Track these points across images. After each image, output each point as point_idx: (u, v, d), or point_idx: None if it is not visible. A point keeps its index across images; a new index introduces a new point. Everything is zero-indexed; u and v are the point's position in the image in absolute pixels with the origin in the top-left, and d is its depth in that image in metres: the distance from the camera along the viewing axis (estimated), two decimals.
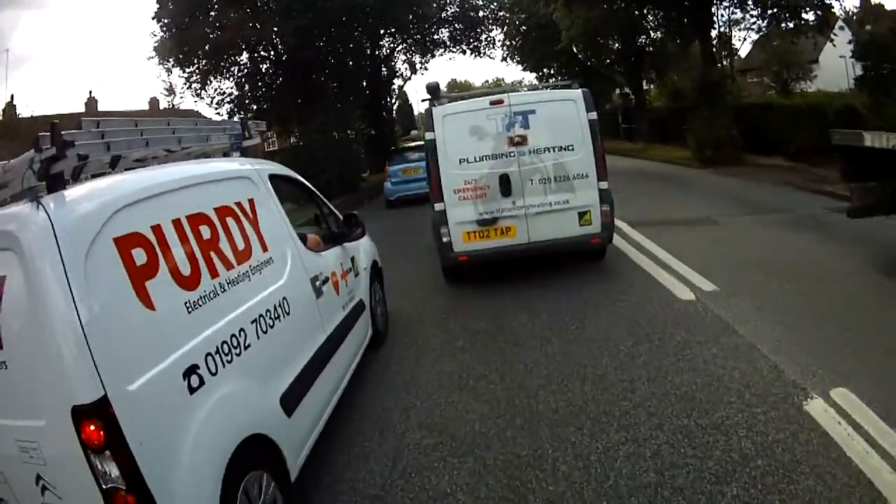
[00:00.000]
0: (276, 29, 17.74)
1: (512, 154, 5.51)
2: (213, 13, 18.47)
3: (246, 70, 20.18)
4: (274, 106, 19.86)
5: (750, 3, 17.55)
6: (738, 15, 19.30)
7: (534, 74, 31.76)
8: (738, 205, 8.84)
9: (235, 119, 12.78)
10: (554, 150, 5.51)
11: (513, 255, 5.73)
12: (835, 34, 16.91)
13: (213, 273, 2.47)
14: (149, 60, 28.56)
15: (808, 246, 6.23)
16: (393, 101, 28.83)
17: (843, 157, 5.39)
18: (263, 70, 20.37)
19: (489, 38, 26.33)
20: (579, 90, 5.66)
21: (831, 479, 2.44)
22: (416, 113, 49.42)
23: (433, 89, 6.07)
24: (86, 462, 1.76)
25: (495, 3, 25.97)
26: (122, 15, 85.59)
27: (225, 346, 2.34)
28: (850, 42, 13.15)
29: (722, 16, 19.43)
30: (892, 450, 2.58)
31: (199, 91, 19.82)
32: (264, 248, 2.94)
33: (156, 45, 19.18)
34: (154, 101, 24.10)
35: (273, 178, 3.42)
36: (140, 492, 1.80)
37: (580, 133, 5.49)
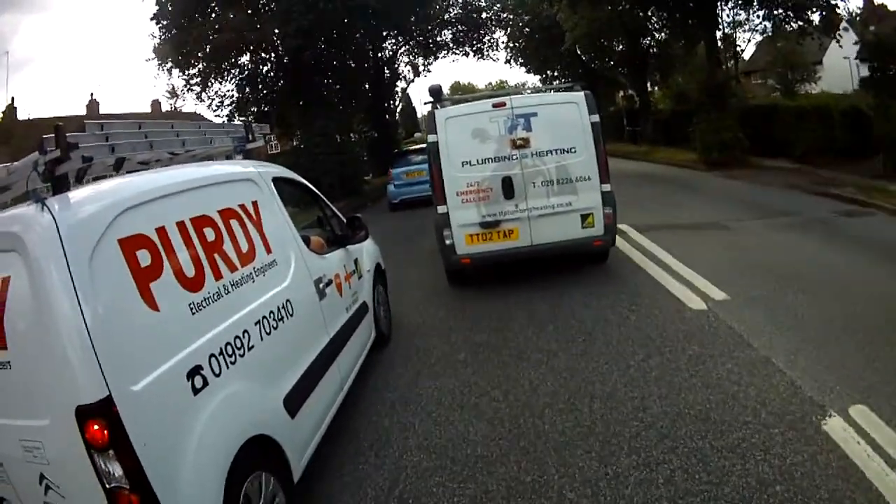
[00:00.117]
0: (276, 31, 17.68)
1: (514, 156, 5.50)
2: (212, 14, 18.45)
3: (246, 72, 20.12)
4: (275, 108, 19.83)
5: (755, 3, 17.51)
6: (743, 16, 19.33)
7: (537, 77, 31.91)
8: (746, 208, 8.71)
9: (238, 122, 12.83)
10: (556, 153, 5.50)
11: (516, 258, 5.72)
12: (840, 35, 16.86)
13: (217, 275, 2.48)
14: (147, 62, 28.71)
15: (818, 251, 6.14)
16: (396, 103, 28.82)
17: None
18: (264, 72, 20.30)
19: (492, 40, 26.44)
20: (581, 92, 5.65)
21: None
22: (419, 115, 49.48)
23: (436, 92, 6.07)
24: (89, 461, 1.77)
25: (498, 5, 26.01)
26: (123, 18, 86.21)
27: (229, 348, 2.35)
28: (855, 43, 13.07)
29: (727, 17, 19.45)
30: None
31: (199, 94, 19.89)
32: (268, 251, 2.94)
33: (155, 46, 19.31)
34: (156, 104, 24.24)
35: (276, 181, 3.44)
36: (143, 491, 1.80)
37: (582, 135, 5.48)
